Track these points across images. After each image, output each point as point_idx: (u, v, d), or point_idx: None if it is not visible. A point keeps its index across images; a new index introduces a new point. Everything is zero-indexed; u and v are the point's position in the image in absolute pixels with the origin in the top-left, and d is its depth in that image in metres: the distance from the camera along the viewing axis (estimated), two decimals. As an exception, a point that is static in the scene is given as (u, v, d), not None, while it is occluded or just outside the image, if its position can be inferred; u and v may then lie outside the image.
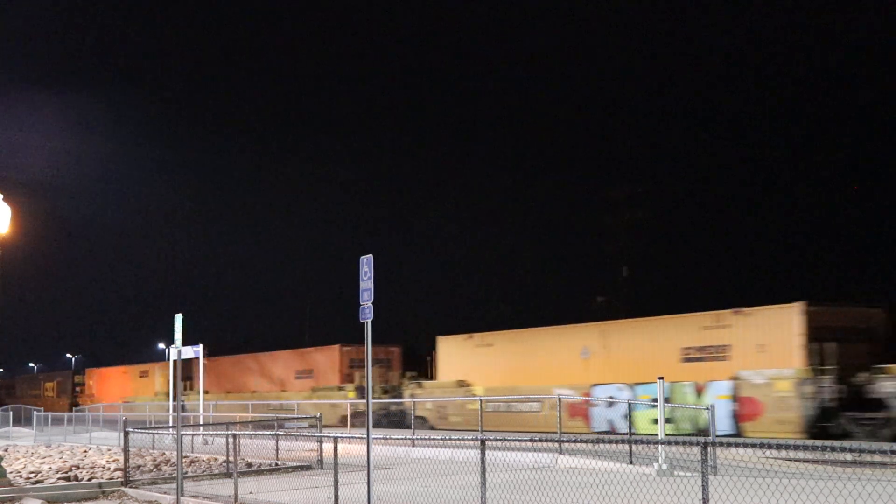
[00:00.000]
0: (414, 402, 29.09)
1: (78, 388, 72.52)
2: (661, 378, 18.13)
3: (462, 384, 34.36)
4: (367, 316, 11.91)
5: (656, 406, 17.60)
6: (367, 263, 11.86)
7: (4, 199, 17.84)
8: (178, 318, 20.70)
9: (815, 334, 24.56)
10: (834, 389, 22.92)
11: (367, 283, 11.82)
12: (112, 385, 66.19)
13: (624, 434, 21.54)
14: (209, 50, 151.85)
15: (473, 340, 35.43)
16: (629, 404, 22.98)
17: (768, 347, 25.49)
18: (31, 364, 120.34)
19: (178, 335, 20.83)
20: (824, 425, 17.49)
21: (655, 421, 19.72)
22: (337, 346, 43.80)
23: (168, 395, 37.39)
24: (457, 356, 36.40)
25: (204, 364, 33.73)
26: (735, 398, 25.24)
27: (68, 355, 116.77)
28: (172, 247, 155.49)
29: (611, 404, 27.84)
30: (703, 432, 23.51)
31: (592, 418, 27.88)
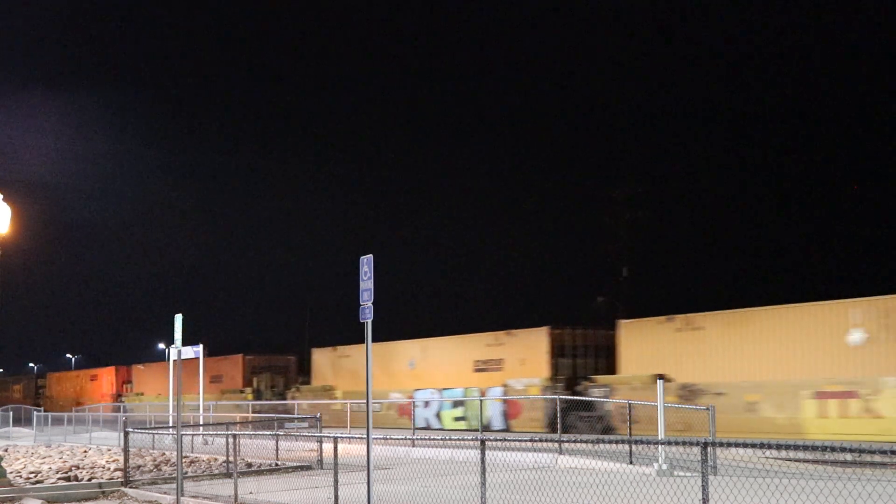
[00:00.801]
0: (296, 403, 37.39)
1: (41, 390, 79.45)
2: (661, 378, 18.16)
3: (326, 388, 41.64)
4: (367, 316, 11.91)
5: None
6: (367, 263, 11.86)
7: (4, 199, 17.84)
8: (178, 318, 20.68)
9: (557, 351, 32.28)
10: (564, 394, 27.64)
11: (367, 283, 11.83)
12: (66, 388, 74.14)
13: (623, 434, 21.54)
14: (209, 50, 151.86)
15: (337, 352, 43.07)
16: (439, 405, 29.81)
17: (527, 361, 32.67)
18: (32, 364, 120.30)
19: (178, 335, 20.80)
20: (558, 421, 21.91)
21: (456, 419, 33.35)
22: (240, 356, 51.51)
23: (113, 396, 43.69)
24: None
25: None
26: (504, 401, 31.99)
27: (68, 355, 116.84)
28: (172, 247, 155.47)
29: (426, 405, 34.10)
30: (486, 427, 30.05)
31: (416, 417, 28.57)
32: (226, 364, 52.35)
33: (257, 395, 46.36)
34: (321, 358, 45.30)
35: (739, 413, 24.29)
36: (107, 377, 66.01)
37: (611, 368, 31.18)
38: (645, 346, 29.03)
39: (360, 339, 12.17)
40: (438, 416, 34.69)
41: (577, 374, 31.66)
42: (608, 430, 27.73)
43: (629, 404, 21.24)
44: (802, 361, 24.66)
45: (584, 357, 32.73)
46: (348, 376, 41.61)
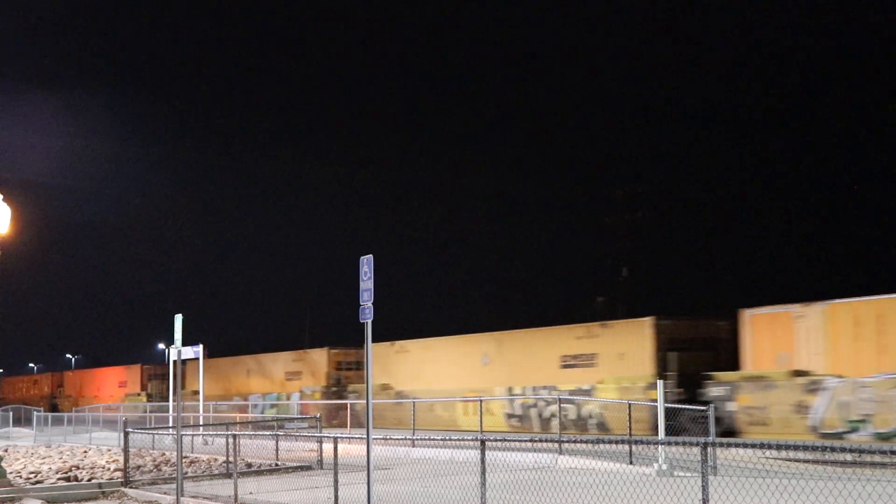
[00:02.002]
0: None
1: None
2: (662, 378, 18.15)
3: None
4: (367, 316, 11.91)
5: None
6: (367, 263, 11.86)
7: (4, 200, 17.84)
8: (178, 318, 20.68)
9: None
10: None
11: (367, 284, 11.83)
12: (14, 390, 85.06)
13: (623, 434, 21.53)
14: (209, 50, 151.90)
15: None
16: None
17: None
18: (31, 364, 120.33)
19: (178, 335, 20.81)
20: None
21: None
22: (139, 365, 64.30)
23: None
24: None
25: (204, 365, 33.79)
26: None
27: (68, 355, 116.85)
28: (172, 247, 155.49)
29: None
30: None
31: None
32: (128, 372, 65.51)
33: (149, 397, 55.85)
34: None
35: (425, 413, 31.37)
36: (45, 381, 74.89)
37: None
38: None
39: (378, 338, 12.06)
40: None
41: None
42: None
43: (629, 404, 21.26)
44: (458, 376, 34.89)
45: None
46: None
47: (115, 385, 66.96)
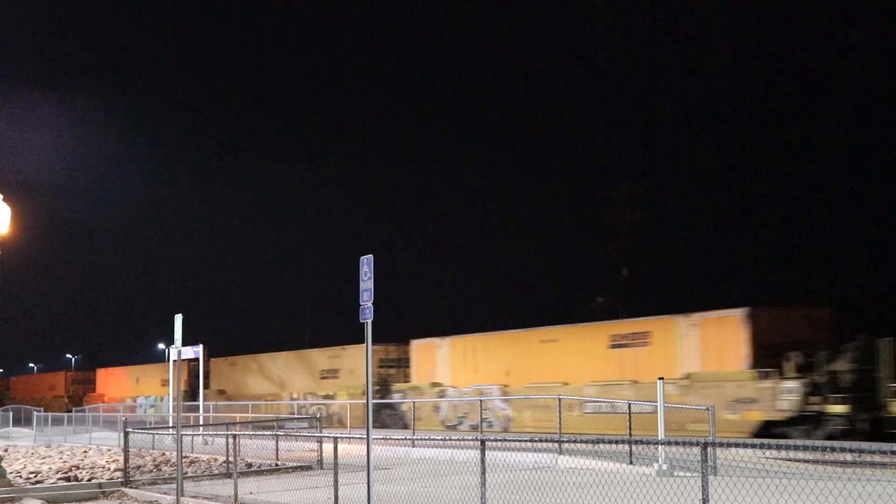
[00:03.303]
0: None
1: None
2: (661, 378, 18.15)
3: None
4: (367, 316, 11.91)
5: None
6: (367, 263, 11.86)
7: (4, 200, 17.84)
8: (178, 318, 20.68)
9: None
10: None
11: (367, 284, 11.83)
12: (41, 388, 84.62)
13: (623, 434, 21.54)
14: (210, 50, 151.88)
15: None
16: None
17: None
18: (31, 364, 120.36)
19: (178, 335, 20.81)
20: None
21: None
22: (63, 372, 75.36)
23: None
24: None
25: (205, 364, 33.76)
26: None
27: (68, 355, 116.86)
28: (172, 247, 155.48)
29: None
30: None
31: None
32: (55, 379, 73.69)
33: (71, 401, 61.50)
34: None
35: (259, 411, 39.83)
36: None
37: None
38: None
39: (377, 339, 12.09)
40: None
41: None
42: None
43: (629, 404, 21.26)
44: (294, 384, 45.16)
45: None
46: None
47: (44, 389, 76.87)
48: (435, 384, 35.98)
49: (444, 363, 36.37)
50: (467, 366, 35.29)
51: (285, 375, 46.53)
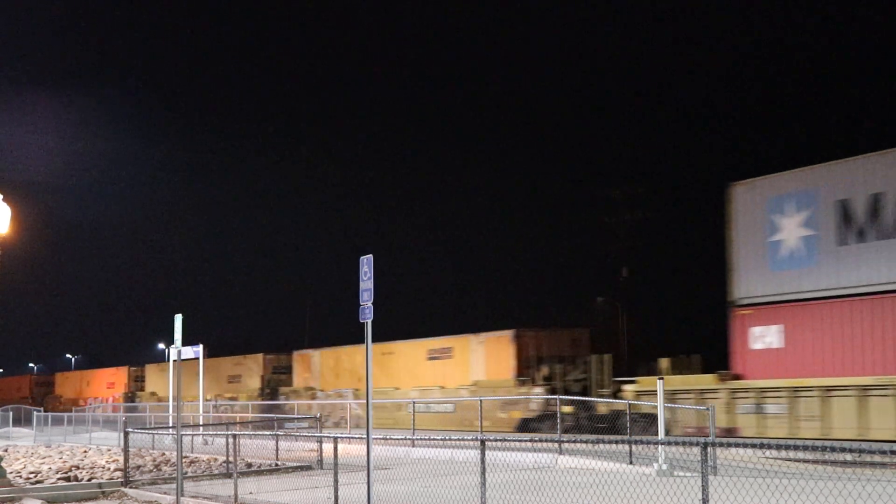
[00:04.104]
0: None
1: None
2: (661, 378, 18.16)
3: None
4: (367, 316, 11.92)
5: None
6: (367, 263, 11.86)
7: (4, 200, 17.83)
8: (178, 318, 20.67)
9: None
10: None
11: (367, 283, 11.83)
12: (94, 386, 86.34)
13: (623, 434, 21.57)
14: (210, 50, 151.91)
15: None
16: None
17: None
18: (31, 364, 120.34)
19: (178, 335, 20.81)
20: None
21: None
22: (28, 376, 79.97)
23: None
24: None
25: (204, 364, 33.80)
26: None
27: (68, 355, 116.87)
28: (172, 247, 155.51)
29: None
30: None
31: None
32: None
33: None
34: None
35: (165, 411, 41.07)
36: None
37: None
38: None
39: (376, 339, 12.13)
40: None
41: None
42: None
43: (629, 404, 21.29)
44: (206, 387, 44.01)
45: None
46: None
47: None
48: (308, 388, 44.10)
49: (316, 370, 44.69)
50: (332, 373, 43.36)
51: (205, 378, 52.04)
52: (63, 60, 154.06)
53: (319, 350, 44.92)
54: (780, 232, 24.63)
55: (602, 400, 26.77)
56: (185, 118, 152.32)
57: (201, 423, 33.21)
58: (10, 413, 46.80)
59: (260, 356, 50.30)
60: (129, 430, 19.59)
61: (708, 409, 18.41)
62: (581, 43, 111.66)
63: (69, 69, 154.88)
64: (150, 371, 62.08)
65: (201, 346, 30.66)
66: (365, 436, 12.02)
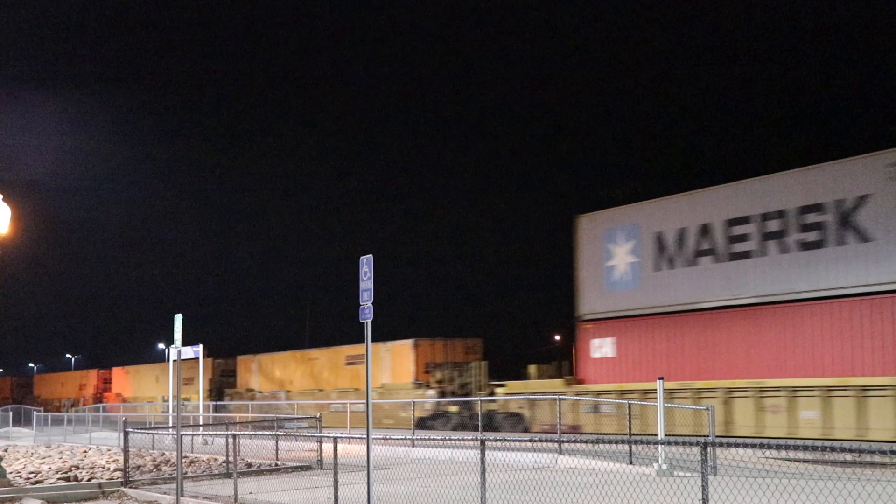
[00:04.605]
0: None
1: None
2: (661, 378, 18.15)
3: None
4: (367, 316, 11.91)
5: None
6: (367, 263, 11.86)
7: (4, 200, 17.83)
8: (178, 318, 20.69)
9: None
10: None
11: (367, 283, 11.83)
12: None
13: (623, 434, 21.57)
14: (210, 50, 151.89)
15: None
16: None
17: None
18: (31, 364, 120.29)
19: (178, 335, 20.82)
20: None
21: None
22: (10, 378, 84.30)
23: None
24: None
25: (203, 364, 33.80)
26: None
27: (68, 355, 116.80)
28: (172, 247, 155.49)
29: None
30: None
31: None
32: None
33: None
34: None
35: (134, 411, 49.90)
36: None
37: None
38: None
39: (382, 337, 12.13)
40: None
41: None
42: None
43: (629, 405, 21.28)
44: (163, 389, 54.07)
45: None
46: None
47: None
48: (249, 390, 49.71)
49: (255, 374, 50.31)
50: (268, 376, 49.19)
51: (161, 381, 57.94)
52: (63, 60, 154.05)
53: (259, 356, 50.81)
54: (613, 258, 29.15)
55: (475, 399, 28.55)
56: (185, 118, 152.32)
57: (201, 423, 33.20)
58: (10, 413, 46.79)
59: (209, 360, 54.38)
60: (129, 430, 19.57)
61: (708, 408, 18.40)
62: (582, 42, 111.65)
63: (69, 69, 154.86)
64: (116, 374, 69.80)
65: (201, 346, 30.68)
66: (365, 436, 12.01)
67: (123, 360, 79.05)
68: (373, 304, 11.83)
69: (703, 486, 8.48)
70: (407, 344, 40.05)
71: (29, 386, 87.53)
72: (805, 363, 23.72)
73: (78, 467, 21.01)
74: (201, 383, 34.55)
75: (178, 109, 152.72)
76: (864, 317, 22.69)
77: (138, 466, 20.61)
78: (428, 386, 36.82)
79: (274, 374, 48.87)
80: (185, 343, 21.84)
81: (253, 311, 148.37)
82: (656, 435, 20.11)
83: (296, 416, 36.62)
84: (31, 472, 19.89)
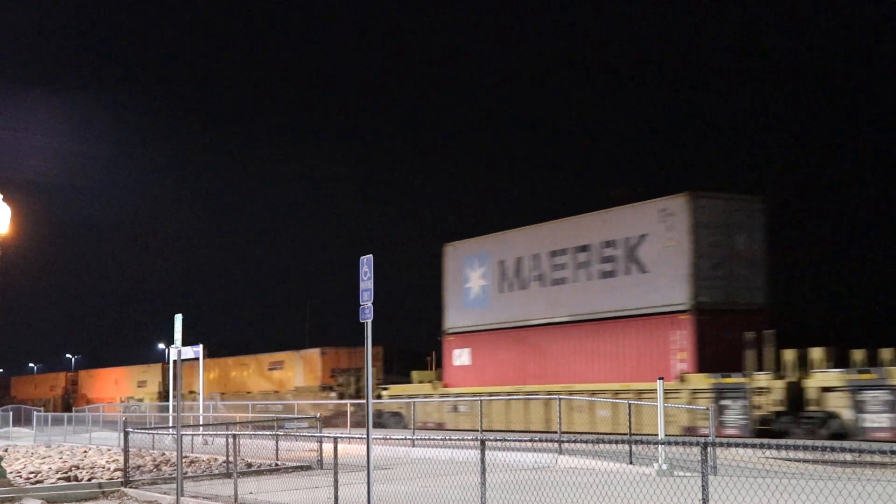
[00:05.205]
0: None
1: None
2: (661, 378, 18.16)
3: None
4: (367, 316, 11.91)
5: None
6: (367, 263, 11.86)
7: (4, 200, 17.82)
8: (178, 318, 20.71)
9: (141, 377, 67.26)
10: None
11: (366, 284, 11.83)
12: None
13: (623, 434, 21.60)
14: (209, 50, 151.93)
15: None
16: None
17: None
18: (31, 364, 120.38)
19: (178, 335, 20.84)
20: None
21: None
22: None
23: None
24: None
25: (204, 364, 33.82)
26: None
27: (68, 355, 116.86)
28: (172, 247, 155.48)
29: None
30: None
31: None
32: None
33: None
34: (189, 367, 60.57)
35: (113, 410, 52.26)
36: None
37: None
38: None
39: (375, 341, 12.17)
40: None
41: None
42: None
43: (629, 405, 21.29)
44: (123, 390, 67.62)
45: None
46: (209, 382, 53.29)
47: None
48: (191, 391, 52.27)
49: (198, 377, 56.79)
50: (209, 379, 52.56)
51: (121, 383, 69.66)
52: (63, 60, 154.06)
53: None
54: (470, 281, 34.61)
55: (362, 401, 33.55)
56: (185, 118, 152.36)
57: (201, 423, 33.20)
58: (10, 413, 46.79)
59: (159, 365, 63.34)
60: (129, 430, 19.57)
61: (707, 408, 18.41)
62: (582, 42, 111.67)
63: (69, 69, 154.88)
64: (83, 377, 79.49)
65: (201, 346, 30.68)
66: (365, 436, 12.01)
67: (123, 360, 79.08)
68: (373, 304, 11.85)
69: (703, 486, 8.48)
70: (315, 352, 47.18)
71: (7, 387, 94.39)
72: (603, 371, 28.72)
73: (78, 467, 21.00)
74: (201, 384, 34.52)
75: (179, 109, 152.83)
76: (640, 334, 27.63)
77: (138, 466, 20.60)
78: (331, 389, 43.18)
79: (211, 377, 54.51)
80: (184, 343, 21.84)
81: (253, 311, 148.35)
82: (495, 431, 25.95)
83: (296, 416, 36.63)
84: (32, 472, 19.88)
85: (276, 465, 20.67)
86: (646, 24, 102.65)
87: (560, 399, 22.69)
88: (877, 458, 16.57)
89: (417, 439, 23.08)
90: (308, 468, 20.10)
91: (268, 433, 24.92)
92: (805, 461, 17.98)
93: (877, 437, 20.94)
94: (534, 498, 13.47)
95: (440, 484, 15.79)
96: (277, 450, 22.06)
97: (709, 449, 9.36)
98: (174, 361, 19.68)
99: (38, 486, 17.82)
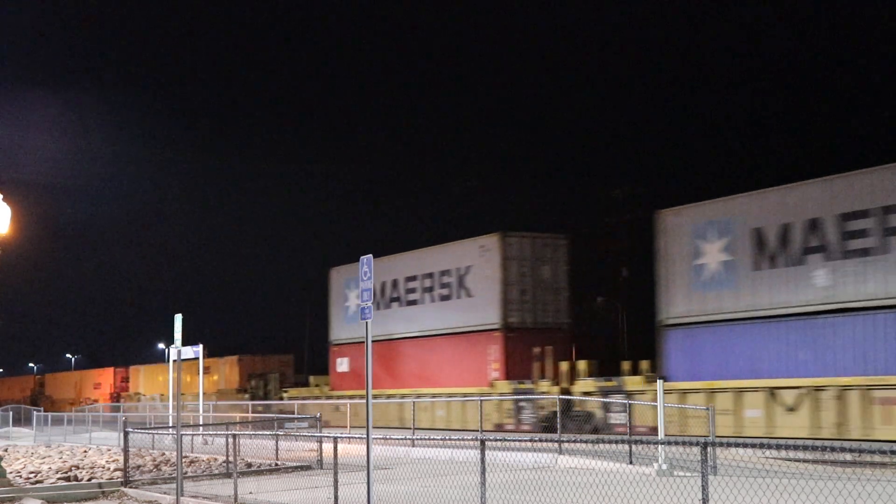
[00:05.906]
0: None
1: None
2: (662, 379, 18.16)
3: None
4: (368, 315, 11.91)
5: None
6: (366, 263, 11.86)
7: (4, 200, 17.81)
8: (178, 318, 20.67)
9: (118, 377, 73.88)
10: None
11: (366, 283, 11.83)
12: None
13: (623, 434, 21.62)
14: (208, 50, 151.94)
15: None
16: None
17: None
18: (31, 364, 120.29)
19: (177, 335, 20.80)
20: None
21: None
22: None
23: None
24: None
25: (204, 364, 33.83)
26: None
27: (68, 355, 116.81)
28: (172, 247, 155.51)
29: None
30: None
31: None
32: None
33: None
34: (135, 372, 71.99)
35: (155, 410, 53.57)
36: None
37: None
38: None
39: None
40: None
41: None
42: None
43: (628, 405, 21.29)
44: (87, 392, 75.75)
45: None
46: (153, 385, 64.29)
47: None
48: (137, 393, 63.95)
49: (141, 381, 66.34)
50: (150, 382, 63.87)
51: (80, 385, 77.08)
52: (63, 60, 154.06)
53: (143, 366, 67.85)
54: (348, 300, 40.04)
55: (270, 402, 42.67)
56: (185, 118, 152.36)
57: (201, 422, 33.19)
58: (10, 413, 46.78)
59: (111, 369, 72.46)
60: (129, 430, 19.56)
61: (707, 408, 18.40)
62: (582, 41, 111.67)
63: (69, 69, 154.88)
64: (48, 379, 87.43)
65: (201, 346, 30.67)
66: (365, 436, 12.01)
67: (123, 360, 79.18)
68: (372, 304, 11.84)
69: (703, 485, 8.48)
70: (234, 358, 54.47)
71: (41, 385, 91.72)
72: (443, 377, 34.17)
73: (78, 467, 21.00)
74: (201, 384, 34.53)
75: (179, 109, 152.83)
76: (467, 347, 33.44)
77: (138, 466, 20.60)
78: (246, 391, 50.48)
79: (157, 379, 60.50)
80: (184, 343, 21.81)
81: (253, 311, 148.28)
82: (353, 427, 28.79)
83: (296, 415, 36.61)
84: (32, 472, 19.88)
85: (276, 465, 20.66)
86: (645, 24, 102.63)
87: (414, 402, 26.88)
88: (877, 458, 16.57)
89: (417, 439, 23.08)
90: (308, 468, 20.10)
91: (268, 433, 24.91)
92: (805, 461, 17.98)
93: (618, 431, 25.60)
94: (534, 498, 13.47)
95: (440, 484, 15.79)
96: (277, 450, 22.05)
97: (709, 449, 9.36)
98: (174, 361, 19.65)
99: (38, 485, 17.82)
